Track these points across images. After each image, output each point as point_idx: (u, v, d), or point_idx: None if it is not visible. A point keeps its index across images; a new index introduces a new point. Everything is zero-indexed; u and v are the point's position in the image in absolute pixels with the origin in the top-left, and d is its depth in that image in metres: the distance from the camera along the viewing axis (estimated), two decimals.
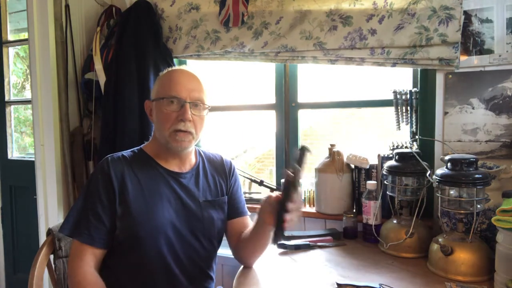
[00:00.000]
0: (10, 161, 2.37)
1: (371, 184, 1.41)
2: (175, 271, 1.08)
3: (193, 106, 1.09)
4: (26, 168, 2.21)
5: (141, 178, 1.09)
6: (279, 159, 1.86)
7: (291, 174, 0.94)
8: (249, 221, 1.24)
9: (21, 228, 2.32)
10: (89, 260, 1.02)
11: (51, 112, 1.90)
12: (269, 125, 1.92)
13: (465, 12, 1.32)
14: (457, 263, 1.08)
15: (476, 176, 1.09)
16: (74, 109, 1.98)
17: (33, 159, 2.04)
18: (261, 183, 1.73)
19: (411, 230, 1.23)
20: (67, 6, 1.94)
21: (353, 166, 1.58)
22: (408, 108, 1.52)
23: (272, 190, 1.72)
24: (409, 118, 1.53)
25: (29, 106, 2.15)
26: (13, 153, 2.40)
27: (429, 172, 1.22)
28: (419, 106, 1.51)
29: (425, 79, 1.50)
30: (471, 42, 1.32)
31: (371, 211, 1.38)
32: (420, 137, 1.46)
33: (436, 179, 1.15)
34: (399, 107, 1.54)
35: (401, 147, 1.49)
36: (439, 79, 1.38)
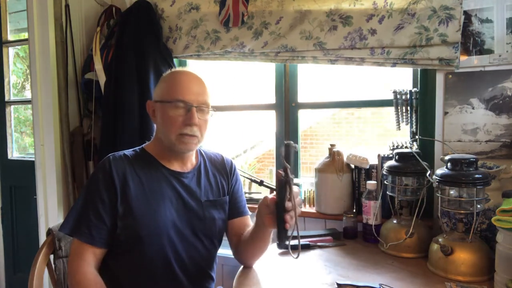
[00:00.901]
0: (10, 161, 2.37)
1: (371, 184, 1.41)
2: (177, 271, 1.08)
3: (199, 110, 1.09)
4: (26, 168, 2.21)
5: (143, 177, 1.09)
6: (279, 159, 1.85)
7: (282, 172, 0.93)
8: (250, 221, 1.24)
9: (21, 228, 2.32)
10: (89, 259, 1.02)
11: (51, 112, 1.90)
12: (269, 125, 1.92)
13: (465, 12, 1.32)
14: (457, 263, 1.08)
15: (476, 176, 1.09)
16: (74, 109, 1.98)
17: (33, 159, 2.03)
18: (261, 183, 1.73)
19: (411, 230, 1.23)
20: (67, 6, 1.94)
21: (353, 166, 1.58)
22: (408, 108, 1.52)
23: (272, 190, 1.72)
24: (409, 118, 1.53)
25: (29, 106, 2.15)
26: (13, 153, 2.40)
27: (429, 172, 1.22)
28: (419, 106, 1.51)
29: (425, 79, 1.50)
30: (471, 42, 1.32)
31: (371, 211, 1.38)
32: (420, 137, 1.46)
33: (436, 179, 1.15)
34: (399, 107, 1.54)
35: (401, 147, 1.49)
36: (439, 79, 1.38)
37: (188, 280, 1.10)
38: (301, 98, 1.81)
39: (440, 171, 1.16)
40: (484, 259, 1.07)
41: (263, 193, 1.85)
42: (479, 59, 1.31)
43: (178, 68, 1.18)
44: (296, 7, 1.56)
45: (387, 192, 1.36)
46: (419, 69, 1.52)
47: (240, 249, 1.18)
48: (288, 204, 0.93)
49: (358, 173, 1.57)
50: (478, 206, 1.11)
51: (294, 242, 1.29)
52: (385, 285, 1.01)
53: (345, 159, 1.57)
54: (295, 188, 0.94)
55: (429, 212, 1.38)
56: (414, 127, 1.52)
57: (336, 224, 1.56)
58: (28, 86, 2.54)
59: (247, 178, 1.80)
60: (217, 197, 1.19)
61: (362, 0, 1.44)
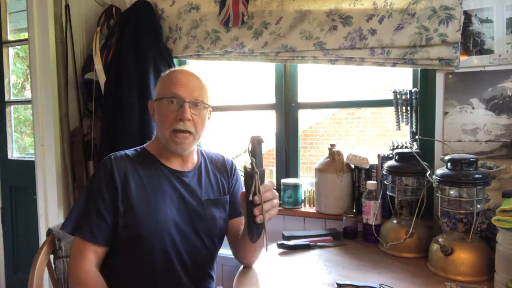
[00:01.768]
0: (10, 161, 2.37)
1: (371, 184, 1.41)
2: (178, 270, 1.08)
3: (193, 106, 1.09)
4: (26, 168, 2.21)
5: (144, 176, 1.10)
6: (279, 159, 1.86)
7: (248, 166, 0.92)
8: None
9: (21, 228, 2.32)
10: (90, 257, 1.02)
11: (51, 112, 1.90)
12: (269, 125, 1.92)
13: (465, 12, 1.32)
14: (457, 263, 1.08)
15: (476, 176, 1.09)
16: (74, 109, 1.98)
17: (33, 159, 2.04)
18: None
19: (411, 230, 1.23)
20: (67, 6, 1.94)
21: (353, 166, 1.58)
22: (408, 108, 1.52)
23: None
24: (409, 118, 1.53)
25: (29, 106, 2.15)
26: (13, 153, 2.40)
27: (429, 172, 1.22)
28: (419, 106, 1.51)
29: (425, 79, 1.50)
30: (471, 42, 1.32)
31: (371, 211, 1.38)
32: (420, 137, 1.46)
33: (436, 179, 1.15)
34: (399, 107, 1.54)
35: (401, 147, 1.49)
36: (439, 79, 1.38)
37: (188, 278, 1.10)
38: (301, 98, 1.81)
39: (440, 171, 1.16)
40: (484, 259, 1.07)
41: None
42: (479, 59, 1.31)
43: (175, 68, 1.18)
44: (296, 7, 1.56)
45: (387, 192, 1.36)
46: (419, 69, 1.52)
47: (237, 248, 1.19)
48: (255, 198, 0.90)
49: (358, 173, 1.57)
50: (478, 206, 1.11)
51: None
52: (385, 285, 1.01)
53: (345, 159, 1.57)
54: (266, 182, 0.93)
55: (429, 212, 1.38)
56: (414, 127, 1.52)
57: (336, 224, 1.56)
58: (28, 86, 2.54)
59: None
60: (218, 196, 1.19)
61: (362, 0, 1.44)
